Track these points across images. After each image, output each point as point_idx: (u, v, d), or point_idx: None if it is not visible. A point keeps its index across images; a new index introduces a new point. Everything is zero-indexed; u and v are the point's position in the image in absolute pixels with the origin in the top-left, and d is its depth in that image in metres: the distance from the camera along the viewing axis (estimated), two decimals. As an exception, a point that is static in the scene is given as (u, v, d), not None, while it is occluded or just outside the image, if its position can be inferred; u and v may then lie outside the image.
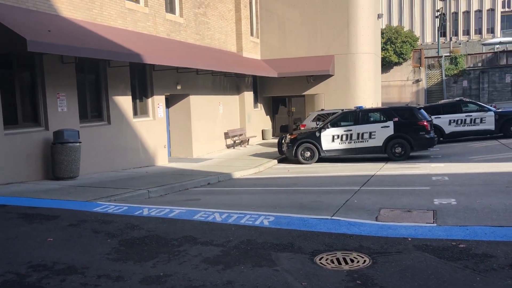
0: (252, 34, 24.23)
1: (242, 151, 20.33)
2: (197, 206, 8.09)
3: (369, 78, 24.09)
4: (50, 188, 9.86)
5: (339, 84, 23.61)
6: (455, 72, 39.79)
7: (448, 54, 41.59)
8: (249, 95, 23.39)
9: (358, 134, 15.81)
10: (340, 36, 23.51)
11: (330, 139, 16.07)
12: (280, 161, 17.34)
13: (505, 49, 43.13)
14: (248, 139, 22.38)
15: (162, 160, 16.30)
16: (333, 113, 19.47)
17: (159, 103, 16.22)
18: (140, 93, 15.62)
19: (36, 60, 11.48)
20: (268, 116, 26.45)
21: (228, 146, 21.34)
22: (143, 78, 15.74)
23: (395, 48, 33.30)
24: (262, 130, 25.13)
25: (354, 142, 15.88)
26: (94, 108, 13.56)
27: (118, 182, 11.04)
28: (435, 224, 6.26)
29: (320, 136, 16.14)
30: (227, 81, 21.45)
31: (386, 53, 34.23)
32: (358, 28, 23.45)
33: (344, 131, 15.98)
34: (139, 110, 15.56)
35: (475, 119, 19.98)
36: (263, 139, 25.00)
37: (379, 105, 26.67)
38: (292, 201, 8.56)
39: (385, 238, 5.82)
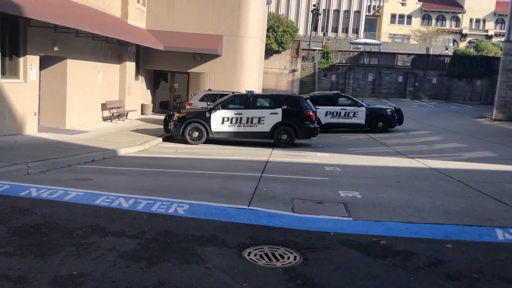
0: (138, 1, 22.63)
1: (121, 125, 18.99)
2: (94, 188, 7.18)
3: (255, 63, 24.29)
4: None
5: (226, 66, 23.36)
6: (326, 66, 42.37)
7: (321, 48, 44.08)
8: (131, 66, 21.89)
9: (248, 118, 15.77)
10: (231, 17, 23.19)
11: (220, 121, 15.77)
12: (165, 139, 16.57)
13: (370, 50, 47.18)
14: (127, 113, 21.00)
15: (31, 129, 14.38)
16: (221, 95, 19.22)
17: (32, 64, 14.21)
18: (11, 51, 13.48)
19: None
20: (149, 90, 25.15)
21: (105, 119, 19.76)
22: (15, 34, 13.60)
23: (276, 37, 34.16)
24: (142, 105, 23.82)
25: (244, 126, 15.81)
26: (-48, 61, 11.33)
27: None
28: (350, 218, 6.38)
29: (210, 117, 15.74)
30: (108, 48, 19.74)
31: (268, 41, 34.87)
32: (249, 11, 23.37)
33: (235, 114, 15.81)
34: (8, 70, 13.43)
35: (348, 113, 21.37)
36: (142, 113, 23.71)
37: (260, 91, 27.15)
38: (200, 186, 8.09)
39: (307, 231, 5.74)
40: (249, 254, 4.98)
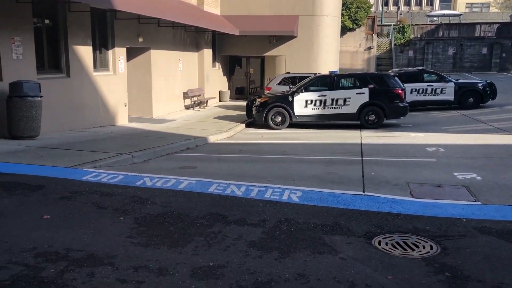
0: (213, -13, 22.66)
1: (203, 113, 19.23)
2: (200, 176, 7.17)
3: (332, 42, 23.57)
4: (13, 150, 8.42)
5: (302, 47, 22.87)
6: (402, 41, 40.48)
7: (396, 23, 42.11)
8: (208, 53, 22.05)
9: (333, 100, 15.30)
10: (305, -4, 22.58)
11: (303, 104, 15.44)
12: (248, 125, 16.53)
13: (449, 22, 44.41)
14: (207, 101, 21.23)
15: (122, 120, 14.89)
16: (300, 77, 18.85)
17: (120, 56, 14.64)
18: (101, 44, 13.96)
19: (-14, -3, 9.65)
20: (225, 77, 25.28)
21: (187, 107, 20.11)
22: (104, 27, 14.05)
23: (350, 14, 33.00)
24: (220, 91, 24.00)
25: (328, 108, 15.37)
26: (52, 58, 11.86)
27: (88, 144, 9.74)
28: (479, 203, 5.87)
29: (293, 100, 15.45)
30: (187, 36, 19.97)
31: (341, 18, 33.78)
32: (324, -12, 22.63)
33: (318, 96, 15.40)
34: (99, 63, 13.93)
35: (436, 89, 20.19)
36: (219, 100, 23.90)
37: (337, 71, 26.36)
38: (303, 172, 7.85)
39: (436, 218, 5.32)
40: (379, 243, 4.67)
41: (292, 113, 15.45)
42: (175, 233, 4.73)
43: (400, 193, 6.32)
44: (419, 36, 41.55)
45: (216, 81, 23.54)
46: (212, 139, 12.80)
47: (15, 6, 10.16)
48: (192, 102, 20.07)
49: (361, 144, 11.31)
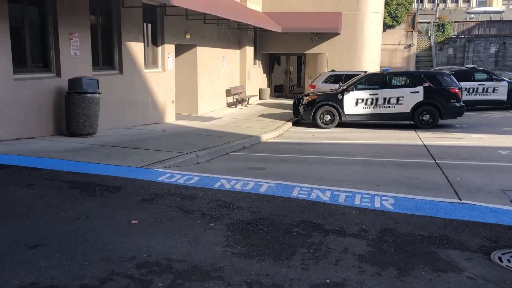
0: (255, -16, 22.31)
1: (246, 111, 18.91)
2: (274, 178, 6.81)
3: (376, 39, 22.94)
4: (77, 147, 8.23)
5: (345, 44, 22.32)
6: (442, 39, 39.33)
7: (435, 20, 40.93)
8: (250, 50, 21.73)
9: (385, 98, 14.75)
10: (349, -8, 22.00)
11: (354, 102, 14.94)
12: (294, 123, 16.14)
13: (490, 19, 42.96)
14: (248, 99, 20.91)
15: (170, 117, 14.70)
16: (347, 75, 18.34)
17: (169, 53, 14.44)
18: (150, 41, 13.77)
19: (46, -8, 9.51)
20: (265, 75, 24.93)
21: (229, 105, 19.85)
22: (154, 24, 13.86)
23: (389, 10, 32.13)
24: (260, 89, 23.66)
25: (380, 107, 14.83)
26: (106, 54, 11.71)
27: (146, 142, 9.51)
28: None
29: (342, 99, 14.96)
30: (230, 33, 19.69)
31: (379, 15, 32.92)
32: (369, -16, 22.00)
33: (370, 94, 14.87)
34: (149, 60, 13.76)
35: (487, 89, 19.40)
36: (260, 98, 23.57)
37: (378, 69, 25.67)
38: (380, 175, 7.40)
39: (554, 232, 4.81)
40: (500, 260, 4.20)
41: (341, 111, 14.97)
42: (274, 243, 4.37)
43: (499, 202, 5.82)
44: (458, 33, 40.29)
45: (256, 78, 23.22)
46: (264, 138, 12.45)
47: (73, 1, 10.01)
48: (235, 100, 19.79)
49: (425, 145, 10.75)
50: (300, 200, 5.61)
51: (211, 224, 4.71)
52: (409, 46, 32.65)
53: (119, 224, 4.61)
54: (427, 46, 37.90)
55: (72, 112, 9.41)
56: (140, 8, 12.39)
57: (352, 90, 14.94)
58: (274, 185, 6.09)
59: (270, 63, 25.34)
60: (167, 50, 14.33)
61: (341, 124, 15.22)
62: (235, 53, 20.54)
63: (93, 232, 4.40)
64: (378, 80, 15.08)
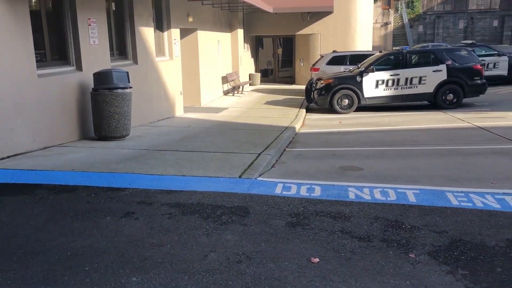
0: (240, -38, 20.85)
1: (247, 99, 17.67)
2: (385, 181, 5.75)
3: (369, 18, 22.17)
4: (127, 155, 6.81)
5: (339, 24, 21.39)
6: (412, 16, 39.30)
7: (404, -3, 40.82)
8: (241, 34, 20.40)
9: (407, 79, 13.96)
10: (340, -31, 21.02)
11: (374, 84, 14.07)
12: (307, 110, 15.11)
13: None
14: (243, 86, 19.64)
15: (179, 110, 13.30)
16: (351, 55, 17.46)
17: (175, 39, 12.95)
18: (156, 26, 12.24)
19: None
20: (253, 59, 23.67)
21: (225, 93, 18.53)
22: (159, 6, 12.31)
23: (365, -12, 31.52)
24: (250, 75, 22.41)
25: (402, 88, 14.04)
26: (118, 42, 10.16)
27: (194, 142, 8.18)
28: None
29: (361, 81, 14.06)
30: (222, 15, 18.26)
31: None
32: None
33: (391, 75, 14.03)
34: (158, 48, 12.24)
35: (487, 64, 19.06)
36: (250, 85, 22.30)
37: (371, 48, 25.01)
38: (489, 169, 6.42)
39: None
40: None
41: (361, 95, 14.08)
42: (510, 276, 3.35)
43: None
44: (427, 10, 40.42)
45: (246, 63, 21.95)
46: (297, 128, 11.37)
47: (89, -20, 8.43)
48: (230, 88, 18.50)
49: (483, 128, 10.00)
50: (472, 210, 4.59)
51: (411, 256, 3.61)
52: (386, 24, 32.28)
53: (300, 265, 3.42)
54: (399, 23, 37.75)
55: (101, 111, 7.91)
56: (150, -12, 10.87)
57: (372, 72, 14.05)
58: (418, 192, 5.04)
59: (256, 46, 24.08)
60: (174, 35, 12.85)
61: (360, 108, 14.36)
62: (227, 37, 19.16)
63: (276, 281, 3.20)
64: (398, 60, 14.26)
